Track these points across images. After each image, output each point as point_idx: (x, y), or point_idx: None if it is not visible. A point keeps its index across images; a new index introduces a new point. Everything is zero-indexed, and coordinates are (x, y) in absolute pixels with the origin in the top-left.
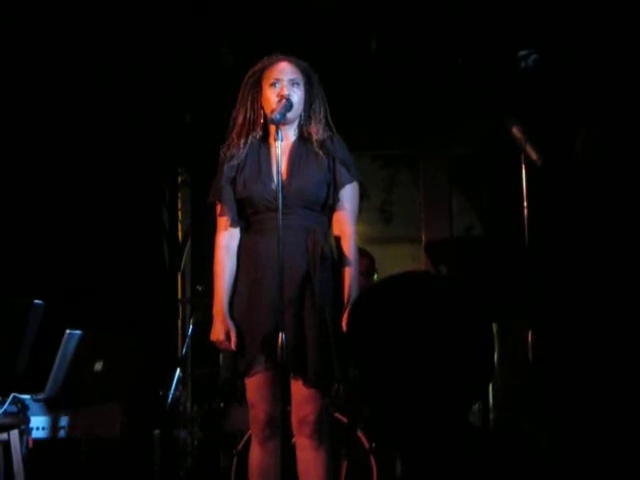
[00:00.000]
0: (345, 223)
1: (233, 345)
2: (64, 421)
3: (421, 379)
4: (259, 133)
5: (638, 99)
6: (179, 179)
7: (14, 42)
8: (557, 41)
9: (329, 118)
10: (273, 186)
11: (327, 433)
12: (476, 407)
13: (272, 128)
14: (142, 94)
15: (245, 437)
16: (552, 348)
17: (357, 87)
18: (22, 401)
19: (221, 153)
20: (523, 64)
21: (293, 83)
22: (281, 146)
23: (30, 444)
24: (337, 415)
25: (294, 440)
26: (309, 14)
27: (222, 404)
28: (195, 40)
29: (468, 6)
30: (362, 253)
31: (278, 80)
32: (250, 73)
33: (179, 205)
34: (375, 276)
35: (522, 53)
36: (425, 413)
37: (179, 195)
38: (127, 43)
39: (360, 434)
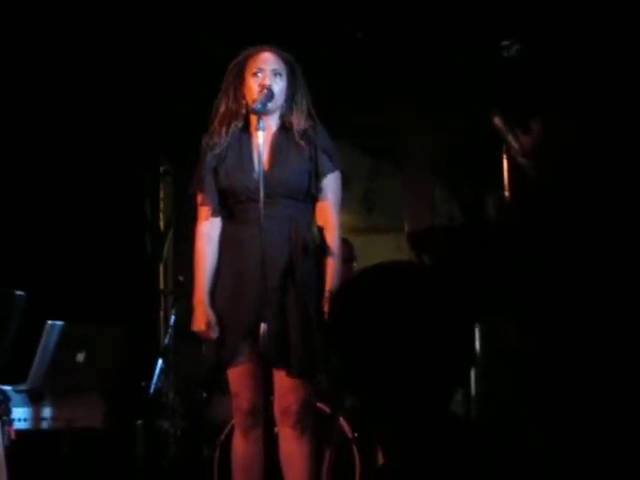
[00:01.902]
0: (328, 213)
1: (213, 334)
2: (46, 412)
3: (401, 368)
4: (241, 122)
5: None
6: (161, 169)
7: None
8: (541, 30)
9: (311, 109)
10: (255, 176)
11: (311, 423)
12: (459, 397)
13: (254, 118)
14: (124, 84)
15: (228, 427)
16: (538, 342)
17: (340, 76)
18: (4, 392)
19: (203, 142)
20: (506, 53)
21: (275, 73)
22: (263, 136)
23: (12, 435)
24: (319, 404)
25: (277, 429)
26: (294, 4)
27: (204, 394)
28: (178, 29)
29: None
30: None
31: (261, 70)
32: (234, 62)
33: (161, 195)
34: (354, 263)
35: (505, 42)
36: (405, 402)
37: (161, 185)
38: (109, 34)
39: (342, 423)
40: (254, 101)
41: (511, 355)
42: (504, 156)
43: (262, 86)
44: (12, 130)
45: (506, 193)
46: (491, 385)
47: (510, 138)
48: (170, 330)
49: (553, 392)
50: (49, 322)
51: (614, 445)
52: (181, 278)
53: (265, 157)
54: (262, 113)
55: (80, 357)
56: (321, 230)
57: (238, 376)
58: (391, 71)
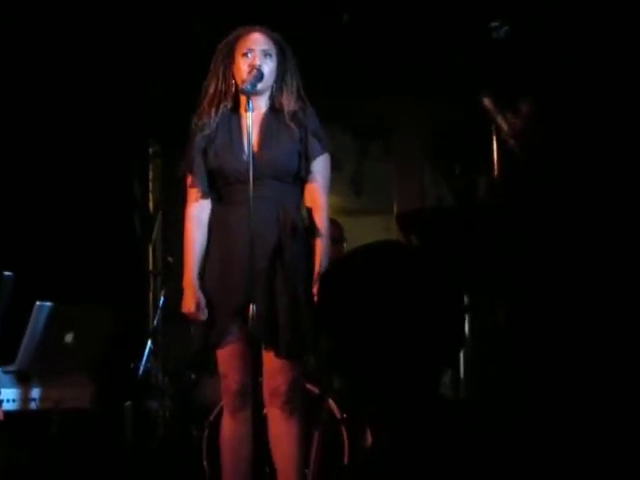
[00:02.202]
0: (317, 195)
1: (203, 316)
2: (35, 393)
3: (390, 350)
4: (230, 103)
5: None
6: (150, 150)
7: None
8: (530, 11)
9: (301, 90)
10: (244, 157)
11: (299, 404)
12: (448, 379)
13: (243, 98)
14: (112, 65)
15: (217, 408)
16: (525, 321)
17: (329, 58)
18: None
19: (192, 123)
20: (495, 35)
21: (265, 54)
22: (252, 117)
23: (1, 416)
24: (308, 385)
25: (266, 410)
26: None
27: (193, 375)
28: (165, 9)
29: None
30: (330, 221)
31: (250, 50)
32: (223, 43)
33: (150, 176)
34: (344, 244)
35: (494, 24)
36: (394, 383)
37: (150, 166)
38: (96, 18)
39: (331, 404)
40: (243, 82)
41: (500, 337)
42: (494, 138)
43: (252, 66)
44: None
45: (496, 174)
46: (480, 367)
47: (500, 119)
48: (159, 311)
49: (541, 373)
50: (38, 303)
51: (604, 426)
52: (170, 259)
53: (254, 138)
54: (252, 94)
55: (69, 338)
56: (310, 211)
57: (227, 357)
58: (381, 55)
